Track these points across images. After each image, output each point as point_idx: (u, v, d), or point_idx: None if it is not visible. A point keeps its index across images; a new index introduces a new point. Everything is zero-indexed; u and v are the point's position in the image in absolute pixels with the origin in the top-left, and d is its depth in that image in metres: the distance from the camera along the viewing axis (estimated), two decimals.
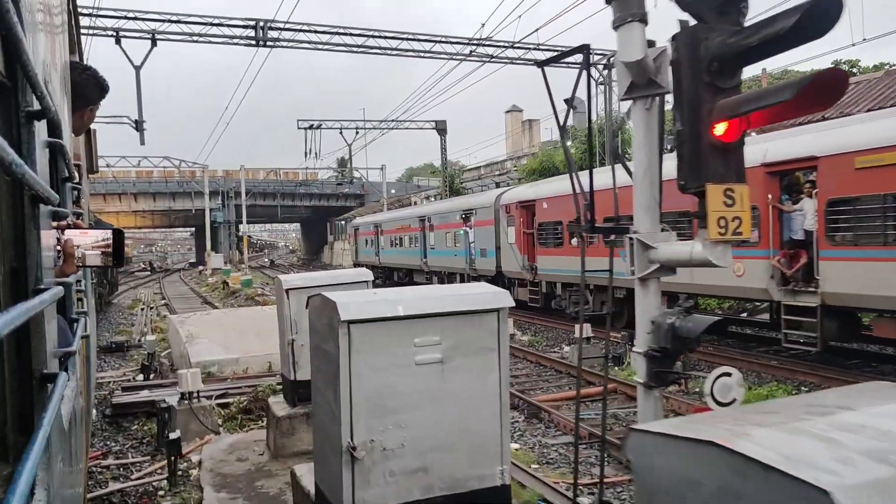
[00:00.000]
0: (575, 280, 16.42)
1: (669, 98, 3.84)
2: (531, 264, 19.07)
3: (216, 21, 25.05)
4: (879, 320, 10.70)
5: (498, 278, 20.57)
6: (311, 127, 38.12)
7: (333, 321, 3.59)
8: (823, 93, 3.17)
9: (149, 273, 61.06)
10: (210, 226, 53.11)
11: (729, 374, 3.58)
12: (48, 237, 1.54)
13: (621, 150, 28.93)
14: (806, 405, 2.15)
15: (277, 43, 25.34)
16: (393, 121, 39.00)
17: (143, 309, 25.70)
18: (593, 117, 4.83)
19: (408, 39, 26.92)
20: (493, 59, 27.35)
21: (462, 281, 22.88)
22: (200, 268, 56.18)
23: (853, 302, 10.14)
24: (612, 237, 4.55)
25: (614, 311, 16.77)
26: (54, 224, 1.86)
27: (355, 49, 26.72)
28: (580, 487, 5.64)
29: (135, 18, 23.85)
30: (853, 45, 20.32)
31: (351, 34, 26.54)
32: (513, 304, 3.97)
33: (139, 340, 17.11)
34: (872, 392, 2.29)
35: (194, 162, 53.79)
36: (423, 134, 58.27)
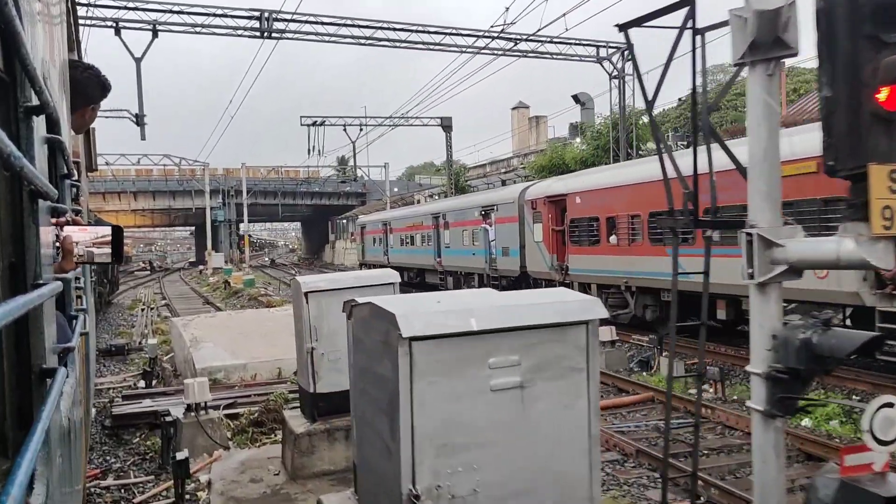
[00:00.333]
0: (612, 281, 15.37)
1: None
2: (561, 264, 17.59)
3: (220, 12, 24.21)
4: None
5: (521, 279, 19.42)
6: (314, 123, 37.38)
7: (391, 337, 2.87)
8: None
9: (149, 272, 60.32)
10: (210, 225, 52.40)
11: (891, 405, 2.85)
12: (47, 233, 1.55)
13: (635, 146, 28.21)
14: None
15: (284, 35, 24.55)
16: (398, 118, 38.20)
17: (143, 309, 25.03)
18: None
19: (417, 32, 26.06)
20: (506, 53, 26.48)
21: (480, 282, 21.98)
22: (201, 267, 55.39)
23: None
24: (709, 233, 3.80)
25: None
26: (53, 220, 1.86)
27: (363, 41, 25.92)
28: None
29: (135, 9, 23.08)
30: None
31: (359, 26, 25.74)
32: (605, 314, 3.23)
33: (140, 343, 16.50)
34: None
35: (195, 160, 53.17)
36: (426, 132, 57.62)
